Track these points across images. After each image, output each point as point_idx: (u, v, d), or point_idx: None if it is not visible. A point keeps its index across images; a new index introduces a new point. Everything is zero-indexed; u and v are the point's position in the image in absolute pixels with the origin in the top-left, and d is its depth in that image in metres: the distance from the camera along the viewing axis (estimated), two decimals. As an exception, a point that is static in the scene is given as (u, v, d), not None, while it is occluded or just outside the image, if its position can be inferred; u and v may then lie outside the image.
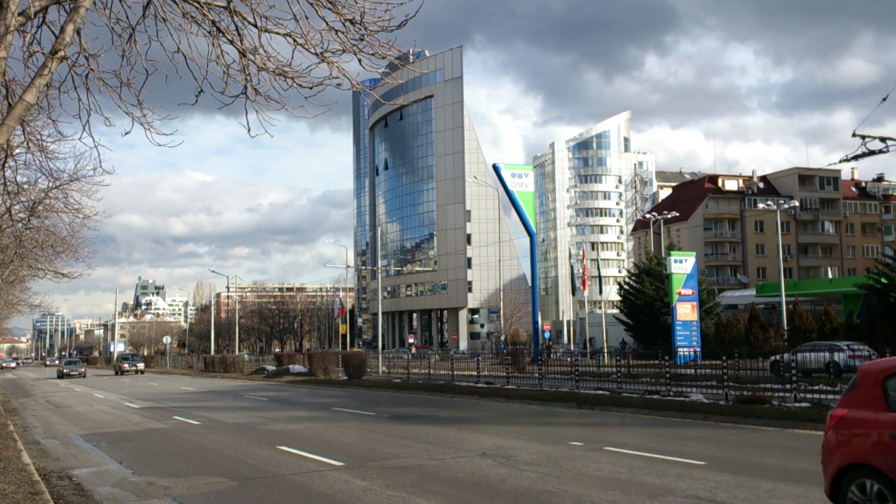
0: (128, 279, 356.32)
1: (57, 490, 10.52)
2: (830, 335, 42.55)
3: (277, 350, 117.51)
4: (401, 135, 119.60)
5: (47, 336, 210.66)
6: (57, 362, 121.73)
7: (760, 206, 65.33)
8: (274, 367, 50.02)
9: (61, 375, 57.33)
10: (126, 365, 64.29)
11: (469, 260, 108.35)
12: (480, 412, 21.25)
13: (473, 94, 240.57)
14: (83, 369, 59.40)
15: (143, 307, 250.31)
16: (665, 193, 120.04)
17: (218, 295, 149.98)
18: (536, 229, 61.29)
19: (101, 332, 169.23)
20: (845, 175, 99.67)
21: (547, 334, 72.77)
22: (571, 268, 67.39)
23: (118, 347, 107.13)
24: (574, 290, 70.48)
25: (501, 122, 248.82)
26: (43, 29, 7.63)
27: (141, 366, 65.46)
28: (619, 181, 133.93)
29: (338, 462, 12.29)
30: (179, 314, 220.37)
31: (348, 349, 64.74)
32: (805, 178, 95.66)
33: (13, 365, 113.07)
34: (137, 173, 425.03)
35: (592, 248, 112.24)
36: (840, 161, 20.77)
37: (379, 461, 12.34)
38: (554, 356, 49.06)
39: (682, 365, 31.99)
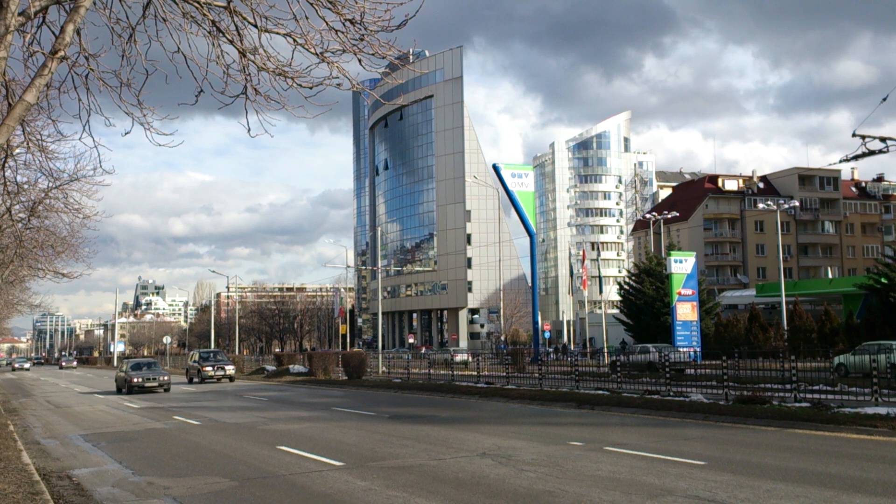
0: (128, 279, 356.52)
1: (57, 490, 10.52)
2: (830, 335, 42.57)
3: (277, 350, 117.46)
4: (401, 135, 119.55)
5: (47, 336, 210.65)
6: (63, 363, 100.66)
7: (760, 206, 65.33)
8: (274, 367, 50.02)
9: (130, 389, 33.81)
10: (209, 369, 42.11)
11: (469, 260, 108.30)
12: (480, 412, 21.24)
13: (472, 95, 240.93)
14: (166, 377, 35.17)
15: (143, 307, 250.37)
16: (665, 193, 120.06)
17: (218, 295, 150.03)
18: (536, 229, 61.29)
19: (101, 332, 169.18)
20: (845, 175, 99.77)
21: (547, 334, 72.77)
22: (571, 268, 67.36)
23: (118, 347, 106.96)
24: (573, 290, 70.50)
25: (500, 122, 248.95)
26: (43, 29, 7.64)
27: (231, 370, 42.85)
28: (619, 181, 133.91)
29: (338, 462, 12.29)
30: (179, 314, 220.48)
31: (348, 349, 64.75)
32: (805, 178, 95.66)
33: (27, 366, 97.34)
34: (137, 173, 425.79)
35: (592, 248, 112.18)
36: (840, 161, 20.75)
37: (379, 461, 12.33)
38: (556, 357, 49.06)
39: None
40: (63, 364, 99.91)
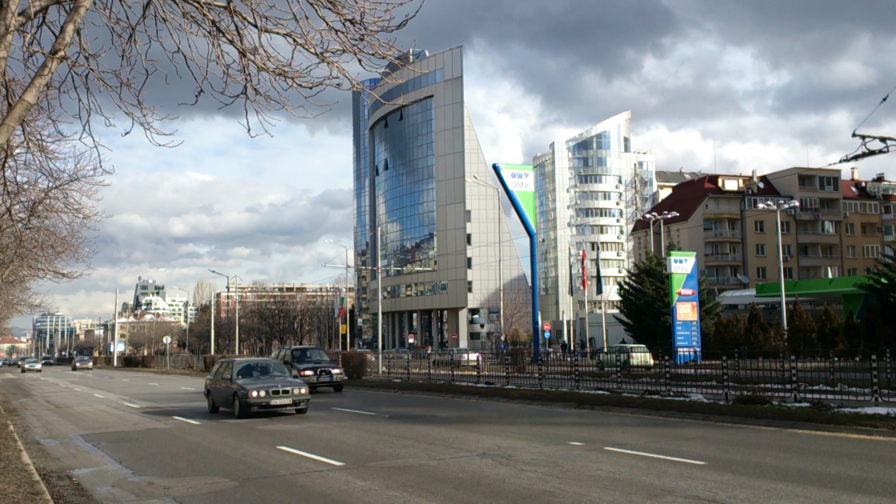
0: (128, 279, 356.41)
1: (57, 490, 10.52)
2: (830, 335, 42.61)
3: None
4: (401, 135, 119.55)
5: (47, 336, 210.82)
6: (77, 364, 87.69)
7: (760, 206, 65.36)
8: (274, 367, 49.88)
9: (245, 409, 20.28)
10: (310, 373, 30.30)
11: (469, 260, 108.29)
12: (480, 412, 21.24)
13: (472, 95, 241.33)
14: (303, 389, 21.19)
15: (143, 307, 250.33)
16: (665, 193, 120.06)
17: (218, 295, 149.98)
18: (536, 229, 61.29)
19: (101, 332, 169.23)
20: (845, 175, 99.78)
21: (547, 334, 72.78)
22: (571, 268, 67.36)
23: (118, 347, 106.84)
24: (573, 290, 70.52)
25: (500, 122, 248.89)
26: (43, 29, 7.64)
27: (338, 374, 31.79)
28: (619, 181, 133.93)
29: (338, 462, 12.29)
30: (179, 314, 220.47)
31: (348, 349, 64.73)
32: (805, 178, 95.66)
33: (38, 367, 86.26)
34: (137, 173, 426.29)
35: (592, 248, 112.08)
36: (840, 161, 20.74)
37: (379, 461, 12.34)
38: (555, 356, 49.07)
39: (682, 365, 32.01)
40: (77, 365, 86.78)
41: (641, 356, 33.41)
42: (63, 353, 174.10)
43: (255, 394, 20.17)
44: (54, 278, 26.20)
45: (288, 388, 20.60)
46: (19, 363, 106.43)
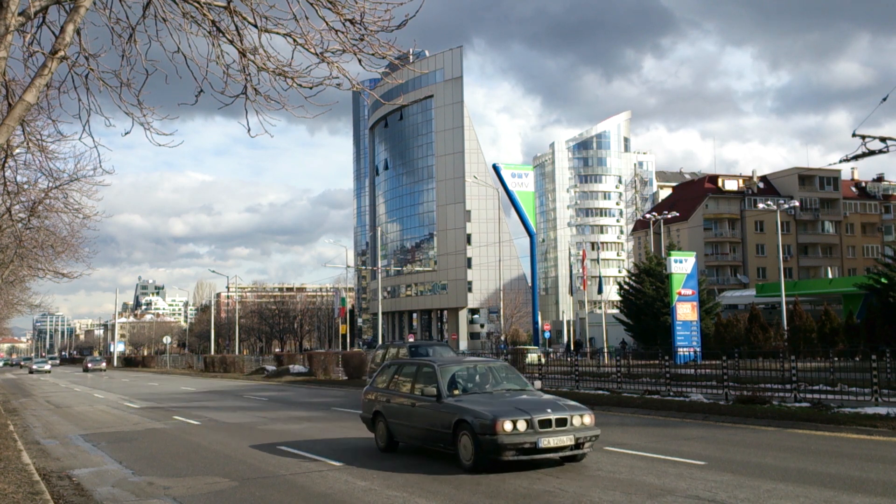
0: (128, 279, 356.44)
1: (57, 490, 10.52)
2: (830, 335, 42.62)
3: (277, 350, 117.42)
4: (401, 135, 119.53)
5: (47, 336, 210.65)
6: (90, 364, 78.20)
7: (760, 206, 65.39)
8: (274, 367, 50.01)
9: (487, 455, 10.59)
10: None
11: (469, 260, 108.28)
12: (480, 412, 21.17)
13: (472, 95, 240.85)
14: (587, 417, 11.22)
15: (143, 307, 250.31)
16: (665, 193, 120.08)
17: (218, 295, 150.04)
18: (536, 229, 61.29)
19: (101, 331, 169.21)
20: (845, 175, 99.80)
21: (547, 334, 72.79)
22: (571, 268, 67.37)
23: (118, 347, 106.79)
24: (573, 290, 70.55)
25: (500, 122, 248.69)
26: (43, 29, 7.65)
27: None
28: (619, 181, 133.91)
29: (338, 462, 12.29)
30: (179, 314, 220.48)
31: (348, 349, 64.71)
32: (805, 178, 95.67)
33: (47, 367, 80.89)
34: (137, 173, 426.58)
35: (592, 248, 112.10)
36: (840, 161, 20.77)
37: (379, 461, 12.33)
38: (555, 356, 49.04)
39: (682, 365, 32.01)
40: (89, 366, 77.76)
41: (533, 356, 39.92)
42: (63, 352, 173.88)
43: (508, 426, 10.50)
44: (54, 278, 26.19)
45: (565, 416, 11.01)
46: (22, 363, 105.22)
